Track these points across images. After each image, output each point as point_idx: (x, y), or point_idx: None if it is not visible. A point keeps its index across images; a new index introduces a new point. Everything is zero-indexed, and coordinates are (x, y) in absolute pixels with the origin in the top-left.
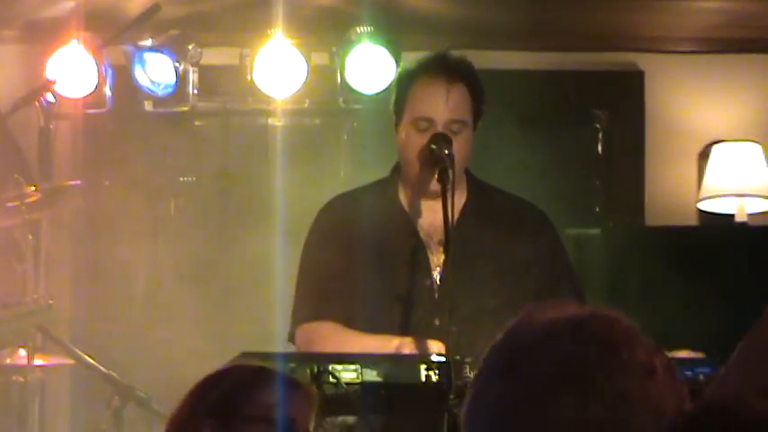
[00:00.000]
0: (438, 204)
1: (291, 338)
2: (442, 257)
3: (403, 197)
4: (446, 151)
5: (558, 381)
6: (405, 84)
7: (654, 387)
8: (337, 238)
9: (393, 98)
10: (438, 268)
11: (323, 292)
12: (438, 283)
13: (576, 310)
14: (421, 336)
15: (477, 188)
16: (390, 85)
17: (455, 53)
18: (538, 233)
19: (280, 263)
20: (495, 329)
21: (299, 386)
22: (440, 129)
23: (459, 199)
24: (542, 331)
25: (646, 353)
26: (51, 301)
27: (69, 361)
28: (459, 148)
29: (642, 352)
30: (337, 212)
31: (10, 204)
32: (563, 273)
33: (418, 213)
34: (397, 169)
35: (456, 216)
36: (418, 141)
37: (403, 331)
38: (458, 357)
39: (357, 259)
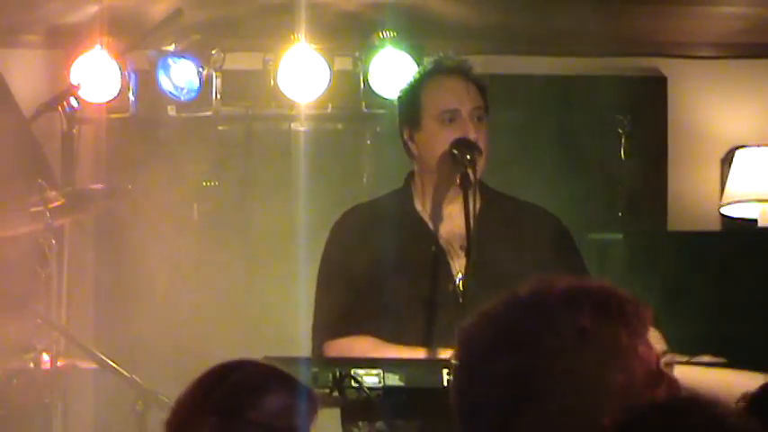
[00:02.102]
0: (455, 211)
1: (317, 354)
2: (464, 262)
3: (419, 206)
4: (468, 156)
5: (496, 346)
6: (417, 88)
7: (585, 345)
8: (356, 249)
9: (403, 109)
10: (460, 273)
11: (349, 305)
12: (461, 287)
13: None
14: (449, 340)
15: (490, 195)
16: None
17: (453, 56)
18: (554, 239)
19: (302, 268)
20: None
21: (307, 393)
22: (465, 117)
23: (475, 204)
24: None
25: (576, 316)
26: None
27: (93, 365)
28: (484, 135)
29: (573, 315)
30: (354, 223)
31: (33, 209)
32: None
33: (435, 221)
34: (410, 179)
35: (473, 221)
36: (446, 134)
37: (430, 337)
38: None
39: (378, 269)
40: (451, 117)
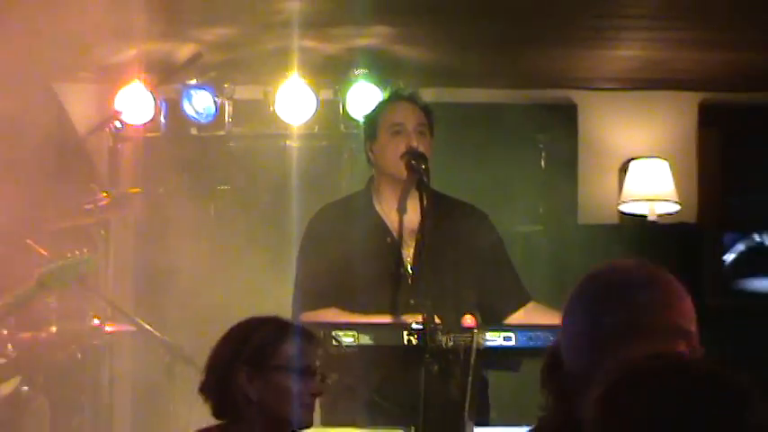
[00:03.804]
0: (407, 208)
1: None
2: (412, 251)
3: (377, 204)
4: (423, 166)
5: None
6: (376, 111)
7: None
8: (327, 242)
9: (366, 127)
10: (409, 259)
11: (323, 286)
12: (410, 271)
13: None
14: (401, 312)
15: (434, 195)
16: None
17: (405, 88)
18: (483, 230)
19: (293, 250)
20: (455, 305)
21: (311, 336)
22: (410, 131)
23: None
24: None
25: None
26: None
27: (132, 328)
28: (427, 146)
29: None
30: (325, 221)
31: (86, 207)
32: (503, 261)
33: (390, 217)
34: (371, 182)
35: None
36: (394, 143)
37: (386, 310)
38: (432, 325)
39: (345, 255)
40: (399, 129)
